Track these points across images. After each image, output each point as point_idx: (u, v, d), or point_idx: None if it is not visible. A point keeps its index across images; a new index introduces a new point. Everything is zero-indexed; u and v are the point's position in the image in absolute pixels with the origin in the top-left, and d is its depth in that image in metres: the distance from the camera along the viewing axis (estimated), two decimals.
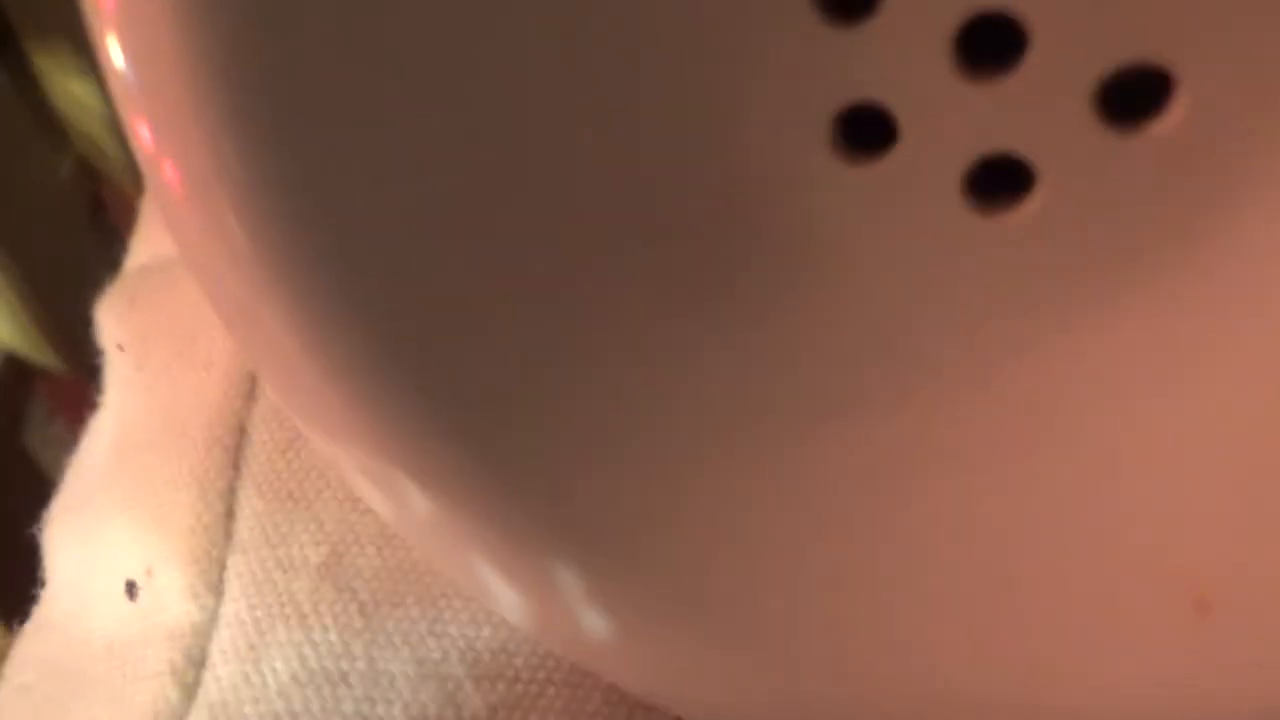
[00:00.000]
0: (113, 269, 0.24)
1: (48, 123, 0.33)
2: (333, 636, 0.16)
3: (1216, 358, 0.12)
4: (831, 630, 0.13)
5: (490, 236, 0.12)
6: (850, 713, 0.13)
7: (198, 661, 0.17)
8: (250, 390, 0.19)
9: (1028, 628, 0.13)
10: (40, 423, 0.34)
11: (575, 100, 0.11)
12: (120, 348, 0.21)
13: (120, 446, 0.20)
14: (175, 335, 0.20)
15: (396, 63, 0.11)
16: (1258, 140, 0.11)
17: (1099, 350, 0.12)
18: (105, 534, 0.19)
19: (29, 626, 0.20)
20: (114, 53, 0.12)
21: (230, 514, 0.18)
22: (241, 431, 0.18)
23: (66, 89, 0.32)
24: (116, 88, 0.12)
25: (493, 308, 0.12)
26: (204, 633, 0.17)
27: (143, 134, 0.12)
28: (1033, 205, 0.11)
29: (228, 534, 0.18)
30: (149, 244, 0.24)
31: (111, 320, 0.22)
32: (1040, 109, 0.11)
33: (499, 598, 0.14)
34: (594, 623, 0.13)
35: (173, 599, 0.17)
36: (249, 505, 0.18)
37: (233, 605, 0.17)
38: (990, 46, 0.11)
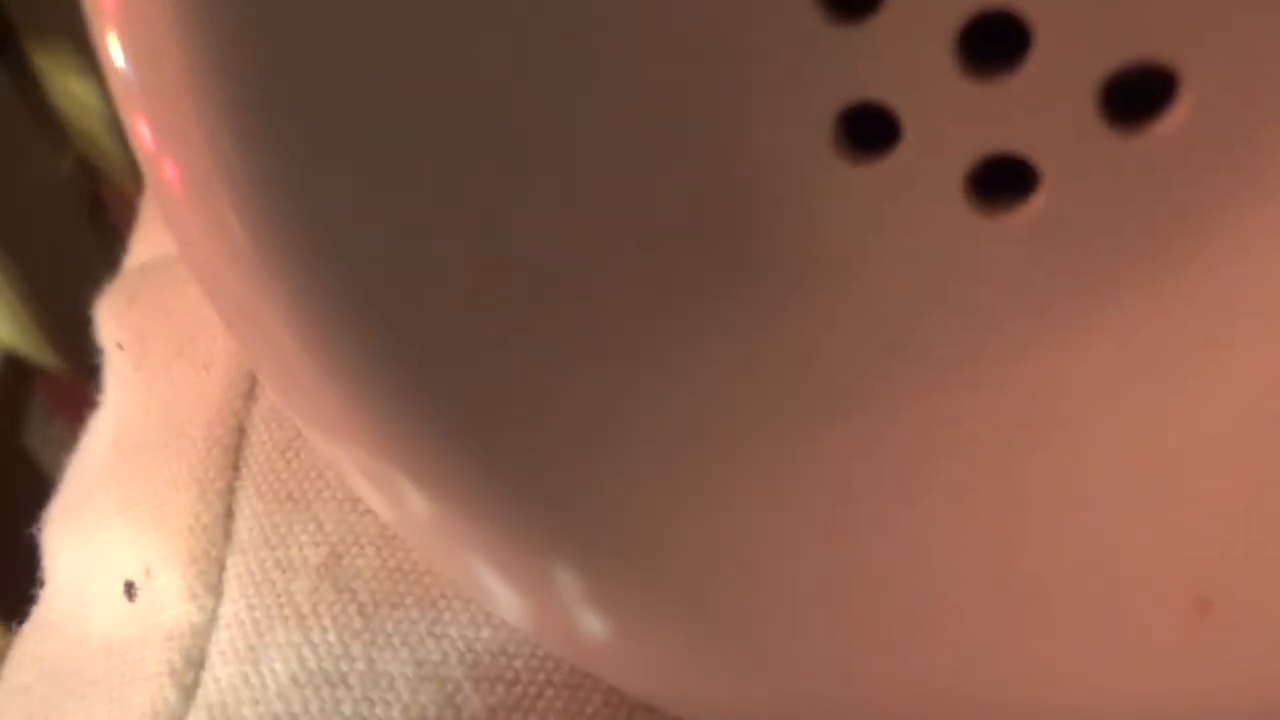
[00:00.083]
0: (112, 268, 0.24)
1: (48, 122, 0.33)
2: (332, 637, 0.16)
3: (1219, 357, 0.12)
4: (831, 630, 0.13)
5: (490, 236, 0.12)
6: (850, 713, 0.13)
7: (196, 662, 0.17)
8: (250, 390, 0.19)
9: (1028, 628, 0.13)
10: (39, 422, 0.34)
11: (576, 99, 0.11)
12: (120, 347, 0.21)
13: (119, 446, 0.20)
14: (175, 335, 0.20)
15: (397, 61, 0.11)
16: (1261, 139, 0.11)
17: (1101, 350, 0.12)
18: (104, 534, 0.19)
19: (28, 627, 0.20)
20: (114, 51, 0.12)
21: (229, 514, 0.18)
22: (241, 432, 0.18)
23: (67, 88, 0.32)
24: (116, 86, 0.12)
25: (493, 308, 0.12)
26: (203, 633, 0.17)
27: (143, 132, 0.12)
28: (1036, 205, 0.11)
29: (227, 534, 0.17)
30: (149, 243, 0.24)
31: (111, 319, 0.22)
32: (1043, 108, 0.11)
33: (497, 598, 0.14)
34: (592, 624, 0.13)
35: (171, 599, 0.17)
36: (248, 506, 0.18)
37: (231, 606, 0.17)
38: (993, 45, 0.11)
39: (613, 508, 0.13)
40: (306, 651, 0.16)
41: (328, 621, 0.16)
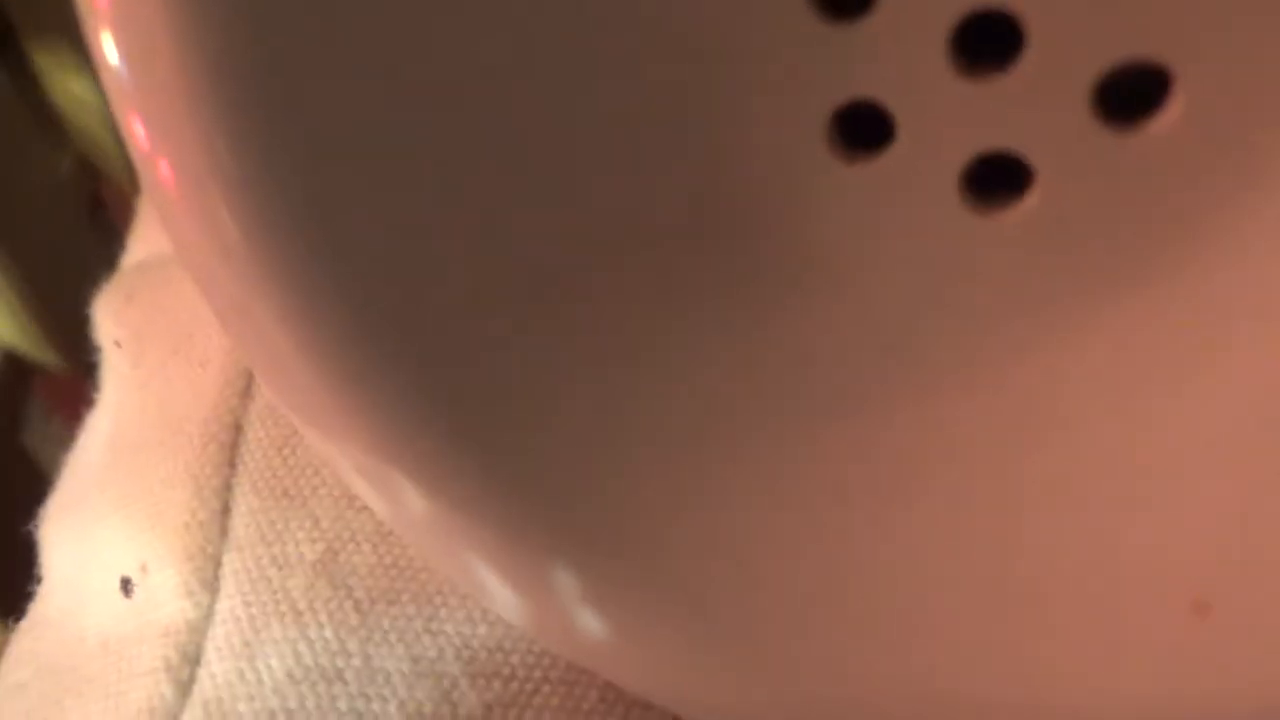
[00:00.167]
0: (112, 267, 0.24)
1: (47, 121, 0.33)
2: (328, 634, 0.16)
3: (1217, 359, 0.12)
4: (831, 630, 0.13)
5: (490, 236, 0.12)
6: (850, 713, 0.13)
7: (193, 658, 0.17)
8: (246, 388, 0.19)
9: (1027, 628, 0.13)
10: (38, 420, 0.34)
11: (573, 99, 0.11)
12: (117, 344, 0.21)
13: (116, 444, 0.20)
14: (172, 332, 0.20)
15: (393, 61, 0.11)
16: (1259, 142, 0.11)
17: (1098, 350, 0.12)
18: (101, 531, 0.19)
19: (24, 624, 0.20)
20: (108, 49, 0.12)
21: (226, 511, 0.18)
22: (237, 429, 0.18)
23: (66, 87, 0.32)
24: (111, 85, 0.12)
25: (490, 307, 0.12)
26: (199, 629, 0.17)
27: (137, 131, 0.12)
28: (1030, 203, 0.11)
29: (223, 531, 0.18)
30: (146, 241, 0.24)
31: (108, 317, 0.22)
32: (1038, 107, 0.11)
33: (496, 597, 0.14)
34: (590, 623, 0.13)
35: (168, 596, 0.17)
36: (244, 502, 0.18)
37: (228, 602, 0.17)
38: (987, 44, 0.11)
39: (612, 508, 0.13)
40: (303, 647, 0.16)
41: (324, 618, 0.16)
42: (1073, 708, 0.13)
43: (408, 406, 0.13)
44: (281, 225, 0.12)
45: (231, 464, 0.18)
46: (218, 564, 0.17)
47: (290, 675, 0.16)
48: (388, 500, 0.13)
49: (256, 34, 0.11)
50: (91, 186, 0.35)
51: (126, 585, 0.18)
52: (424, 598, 0.16)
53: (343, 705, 0.16)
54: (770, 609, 0.13)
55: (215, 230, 0.12)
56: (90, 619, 0.18)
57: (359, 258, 0.12)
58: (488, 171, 0.12)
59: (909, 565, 0.13)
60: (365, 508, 0.17)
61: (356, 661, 0.16)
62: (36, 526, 0.21)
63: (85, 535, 0.19)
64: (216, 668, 0.16)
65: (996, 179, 0.12)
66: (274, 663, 0.16)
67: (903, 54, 0.11)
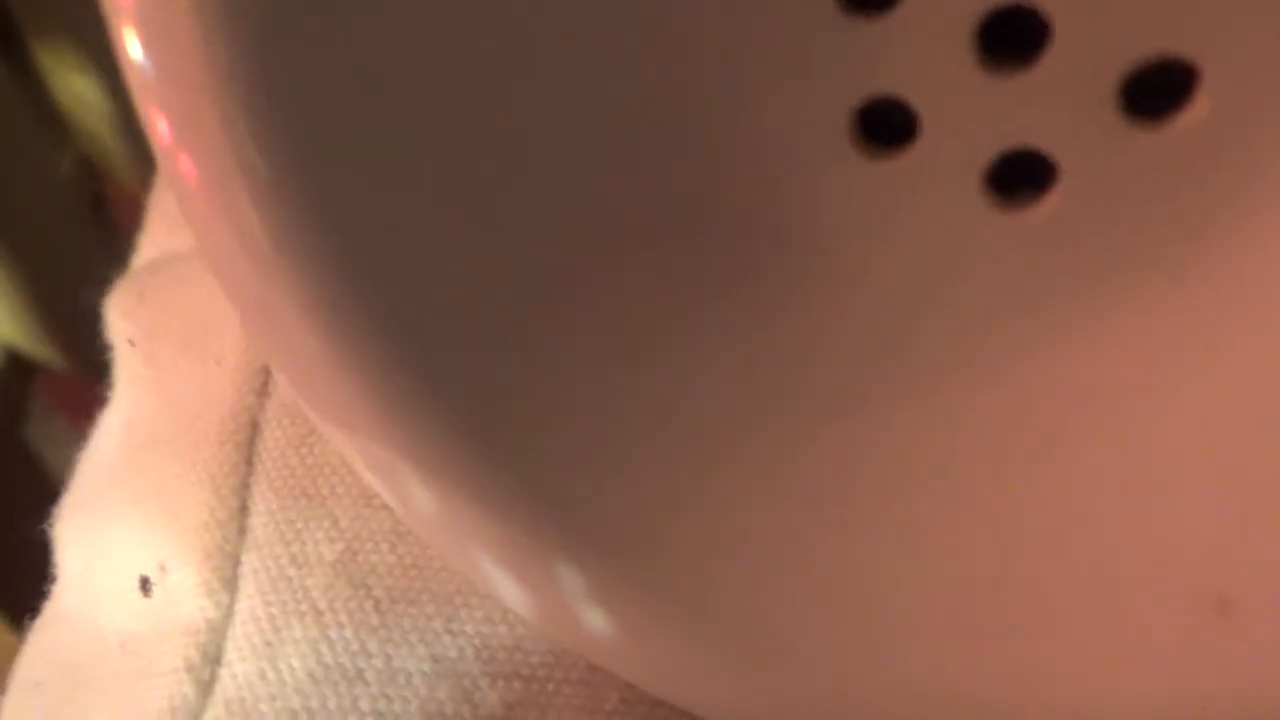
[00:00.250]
0: (114, 265, 0.24)
1: (50, 119, 0.33)
2: (348, 633, 0.16)
3: (1238, 355, 0.12)
4: (831, 630, 0.13)
5: (486, 236, 0.12)
6: (850, 712, 0.13)
7: (213, 658, 0.17)
8: (262, 386, 0.19)
9: (1028, 628, 0.13)
10: (41, 419, 0.34)
11: (593, 95, 0.11)
12: (130, 343, 0.21)
13: (130, 442, 0.20)
14: (185, 330, 0.20)
15: (415, 58, 0.11)
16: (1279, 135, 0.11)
17: (1119, 347, 0.12)
18: (117, 530, 0.19)
19: (39, 623, 0.20)
20: (132, 45, 0.12)
21: (244, 510, 0.18)
22: (254, 427, 0.18)
23: (69, 85, 0.32)
24: (134, 80, 0.12)
25: (503, 305, 0.12)
26: (219, 629, 0.17)
27: (160, 126, 0.12)
28: (1053, 201, 0.11)
29: (242, 530, 0.17)
30: (157, 239, 0.24)
31: (121, 316, 0.21)
32: (1062, 103, 0.11)
33: (505, 593, 0.14)
34: (595, 620, 0.13)
35: (187, 595, 0.17)
36: (263, 501, 0.18)
37: (248, 602, 0.17)
38: (1012, 40, 0.11)
39: (613, 506, 0.13)
40: (323, 647, 0.16)
41: (344, 618, 0.16)
42: (1073, 708, 0.13)
43: (417, 402, 0.13)
44: (303, 219, 0.12)
45: (249, 462, 0.18)
46: (236, 563, 0.17)
47: (311, 675, 0.16)
48: (398, 496, 0.14)
49: (280, 30, 0.11)
50: (93, 185, 0.35)
51: (145, 584, 0.18)
52: (444, 598, 0.16)
53: (364, 705, 0.16)
54: (771, 607, 0.13)
55: (238, 224, 0.12)
56: (107, 618, 0.18)
57: (378, 252, 0.12)
58: (503, 167, 0.12)
59: (910, 564, 0.13)
60: (384, 507, 0.17)
61: (377, 661, 0.16)
62: (49, 525, 0.21)
63: (100, 534, 0.19)
64: (238, 667, 0.16)
65: (1019, 176, 0.12)
66: (295, 662, 0.16)
67: (927, 49, 0.11)
